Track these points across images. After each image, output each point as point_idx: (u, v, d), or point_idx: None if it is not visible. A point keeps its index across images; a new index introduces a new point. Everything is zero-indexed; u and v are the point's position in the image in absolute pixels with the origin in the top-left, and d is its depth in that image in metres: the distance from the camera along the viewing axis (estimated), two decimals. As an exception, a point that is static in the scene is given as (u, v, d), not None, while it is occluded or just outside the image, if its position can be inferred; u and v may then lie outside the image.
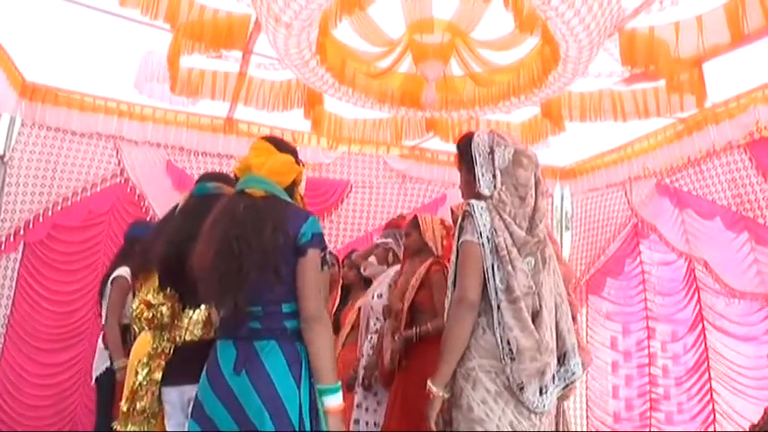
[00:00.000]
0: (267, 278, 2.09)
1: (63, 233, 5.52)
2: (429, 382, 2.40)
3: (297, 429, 2.01)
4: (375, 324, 4.36)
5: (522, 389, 2.32)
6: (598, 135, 5.75)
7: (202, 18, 4.08)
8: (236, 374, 2.06)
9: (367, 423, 4.14)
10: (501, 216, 2.44)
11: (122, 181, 5.74)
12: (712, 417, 5.27)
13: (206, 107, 5.65)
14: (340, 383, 2.13)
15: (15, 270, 5.37)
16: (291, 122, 5.94)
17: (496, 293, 2.37)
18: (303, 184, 2.48)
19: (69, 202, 5.54)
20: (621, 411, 6.10)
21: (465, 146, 2.63)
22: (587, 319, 6.40)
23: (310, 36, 3.96)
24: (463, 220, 2.48)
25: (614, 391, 6.16)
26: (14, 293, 5.33)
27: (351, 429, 4.17)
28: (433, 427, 2.39)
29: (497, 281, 2.38)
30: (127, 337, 3.87)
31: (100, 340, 4.34)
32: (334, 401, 2.08)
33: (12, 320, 5.32)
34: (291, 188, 2.36)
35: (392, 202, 6.67)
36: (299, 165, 2.40)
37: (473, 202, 2.47)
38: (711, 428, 5.24)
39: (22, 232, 5.36)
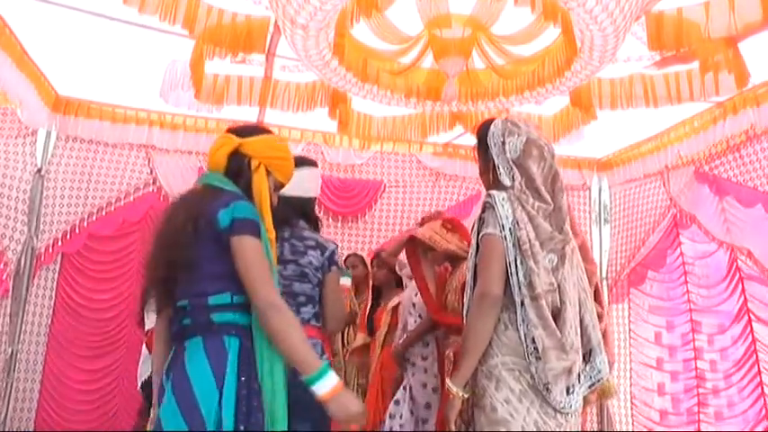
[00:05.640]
0: (183, 273, 1.99)
1: (99, 243, 5.65)
2: (448, 381, 2.31)
3: (212, 430, 1.89)
4: (416, 322, 4.29)
5: (548, 389, 2.23)
6: (634, 124, 5.60)
7: (221, 22, 4.11)
8: (167, 378, 1.98)
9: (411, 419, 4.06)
10: (524, 207, 2.33)
11: (155, 190, 5.84)
12: (765, 412, 5.05)
13: (235, 112, 5.69)
14: (322, 368, 1.92)
15: (54, 280, 5.52)
16: (322, 124, 5.94)
17: (520, 289, 2.27)
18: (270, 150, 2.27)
19: (104, 213, 5.67)
20: (668, 408, 5.90)
21: (481, 134, 2.54)
22: (629, 315, 6.22)
23: (329, 36, 3.95)
24: (483, 211, 2.38)
25: (660, 387, 5.96)
26: (54, 303, 5.49)
27: (386, 423, 4.11)
28: (453, 428, 2.31)
29: (521, 276, 2.27)
30: None
31: (144, 347, 4.37)
32: (319, 390, 1.91)
33: (53, 329, 5.46)
34: (238, 168, 2.17)
35: (426, 201, 6.60)
36: (245, 138, 2.20)
37: (494, 192, 2.36)
38: (764, 423, 5.03)
39: (59, 243, 5.50)
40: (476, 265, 2.41)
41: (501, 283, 2.28)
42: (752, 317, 5.05)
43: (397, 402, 4.12)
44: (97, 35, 4.45)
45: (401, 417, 4.06)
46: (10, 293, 5.17)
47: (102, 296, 5.57)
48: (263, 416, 1.94)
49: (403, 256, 4.74)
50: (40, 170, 5.44)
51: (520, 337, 2.26)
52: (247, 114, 5.76)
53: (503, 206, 2.32)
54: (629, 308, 6.26)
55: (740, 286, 5.13)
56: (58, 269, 5.52)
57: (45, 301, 5.45)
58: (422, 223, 4.88)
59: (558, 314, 2.30)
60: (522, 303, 2.27)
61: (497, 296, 2.27)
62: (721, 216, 5.08)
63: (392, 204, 6.58)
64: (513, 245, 2.29)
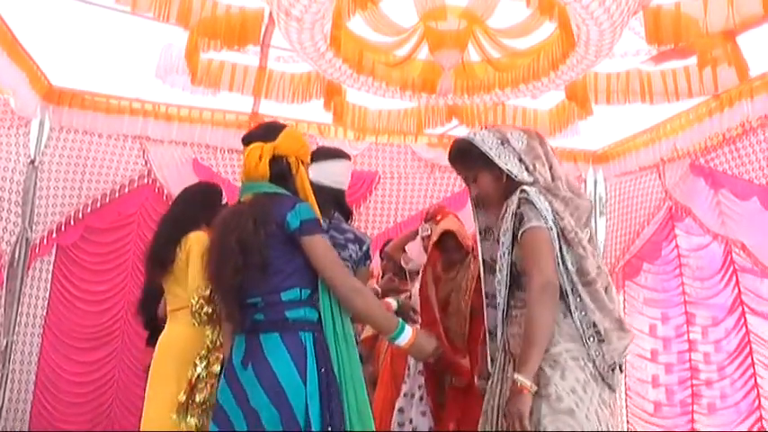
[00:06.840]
0: (256, 273, 2.13)
1: (94, 235, 5.63)
2: (519, 376, 2.21)
3: (302, 424, 2.02)
4: None
5: (612, 370, 2.26)
6: (630, 116, 5.61)
7: (215, 15, 4.10)
8: (244, 368, 2.11)
9: (423, 413, 4.05)
10: (557, 197, 2.35)
11: (150, 182, 5.81)
12: (757, 402, 5.09)
13: (230, 103, 5.67)
14: (399, 326, 2.24)
15: (50, 272, 5.51)
16: (316, 115, 5.93)
17: (568, 276, 2.30)
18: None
19: (99, 204, 5.64)
20: (662, 400, 5.93)
21: (469, 150, 2.49)
22: (624, 307, 6.22)
23: (324, 28, 3.93)
24: (519, 207, 2.36)
25: (654, 379, 5.99)
26: (49, 295, 5.48)
27: (395, 418, 4.10)
28: (528, 427, 2.18)
29: (569, 264, 2.30)
30: None
31: None
32: (400, 343, 2.25)
33: (48, 321, 5.47)
34: (280, 171, 2.27)
35: (421, 192, 6.58)
36: (272, 140, 2.27)
37: (526, 188, 2.35)
38: (756, 414, 5.06)
39: (54, 235, 5.48)
40: (512, 263, 2.40)
41: (556, 272, 2.30)
42: (746, 309, 5.08)
43: (406, 395, 4.12)
44: (91, 23, 4.43)
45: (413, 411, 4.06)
46: (4, 285, 5.13)
47: (98, 288, 5.57)
48: (340, 401, 2.11)
49: (410, 251, 4.72)
50: (33, 161, 5.42)
51: (576, 325, 2.28)
52: (242, 104, 5.74)
53: (539, 199, 2.33)
54: (624, 300, 6.25)
55: (734, 279, 5.15)
56: (53, 261, 5.51)
57: (40, 293, 5.44)
58: (426, 218, 4.84)
59: (606, 293, 2.34)
60: (573, 290, 2.29)
61: (557, 285, 2.29)
62: (716, 209, 5.09)
63: (387, 196, 6.56)
64: (558, 234, 2.32)
